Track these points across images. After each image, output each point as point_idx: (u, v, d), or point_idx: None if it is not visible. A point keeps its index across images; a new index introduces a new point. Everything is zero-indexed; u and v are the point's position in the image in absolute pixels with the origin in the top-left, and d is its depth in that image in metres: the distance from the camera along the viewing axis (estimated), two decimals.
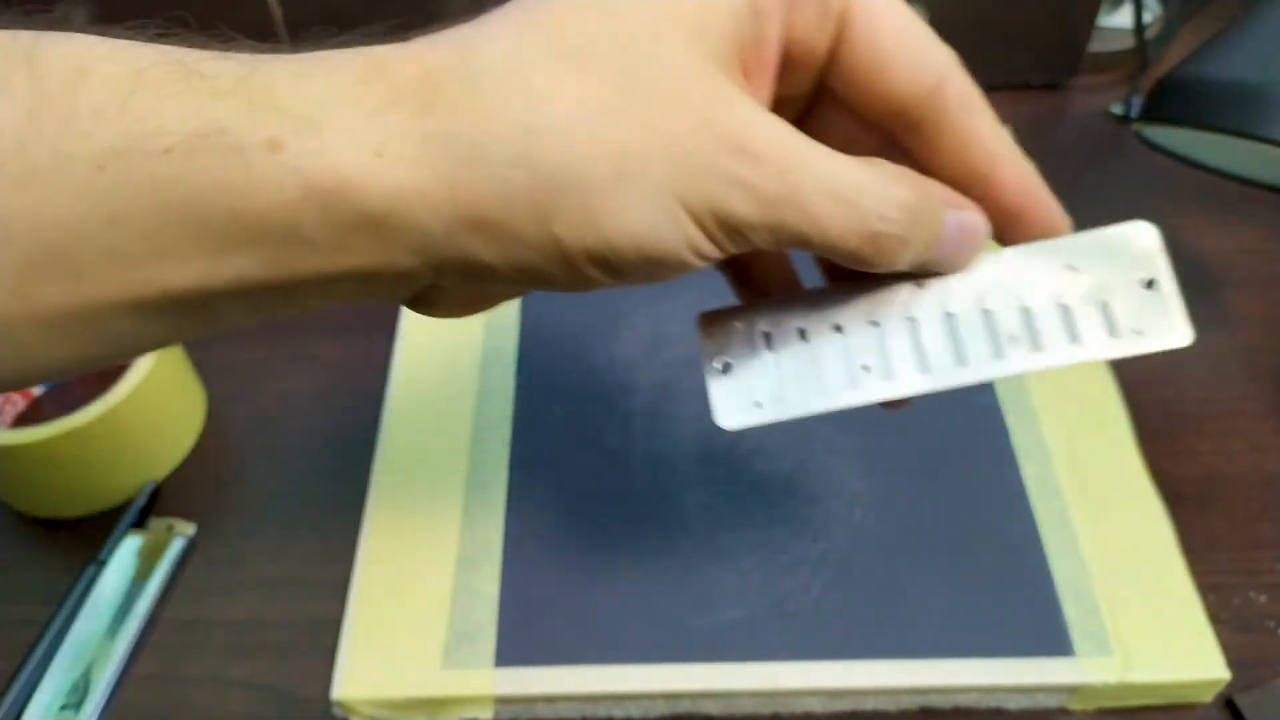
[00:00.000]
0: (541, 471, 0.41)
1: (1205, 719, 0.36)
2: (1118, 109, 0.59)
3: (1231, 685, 0.36)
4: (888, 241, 0.22)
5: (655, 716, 0.36)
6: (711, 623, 0.37)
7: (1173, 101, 0.40)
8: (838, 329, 0.24)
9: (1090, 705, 0.36)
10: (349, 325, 0.49)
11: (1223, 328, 0.47)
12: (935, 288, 0.24)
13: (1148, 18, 0.60)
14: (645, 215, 0.20)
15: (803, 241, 0.22)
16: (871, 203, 0.21)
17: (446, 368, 0.45)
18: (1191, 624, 0.37)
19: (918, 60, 0.23)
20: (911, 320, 0.24)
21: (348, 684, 0.36)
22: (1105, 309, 0.23)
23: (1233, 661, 0.36)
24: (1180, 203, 0.53)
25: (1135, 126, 0.44)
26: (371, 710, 0.36)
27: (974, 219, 0.24)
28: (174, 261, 0.20)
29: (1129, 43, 0.61)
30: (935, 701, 0.36)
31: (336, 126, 0.20)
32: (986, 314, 0.24)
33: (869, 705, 0.36)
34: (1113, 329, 0.23)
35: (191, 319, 0.21)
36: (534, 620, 0.37)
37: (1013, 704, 0.36)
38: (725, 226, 0.21)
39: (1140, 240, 0.23)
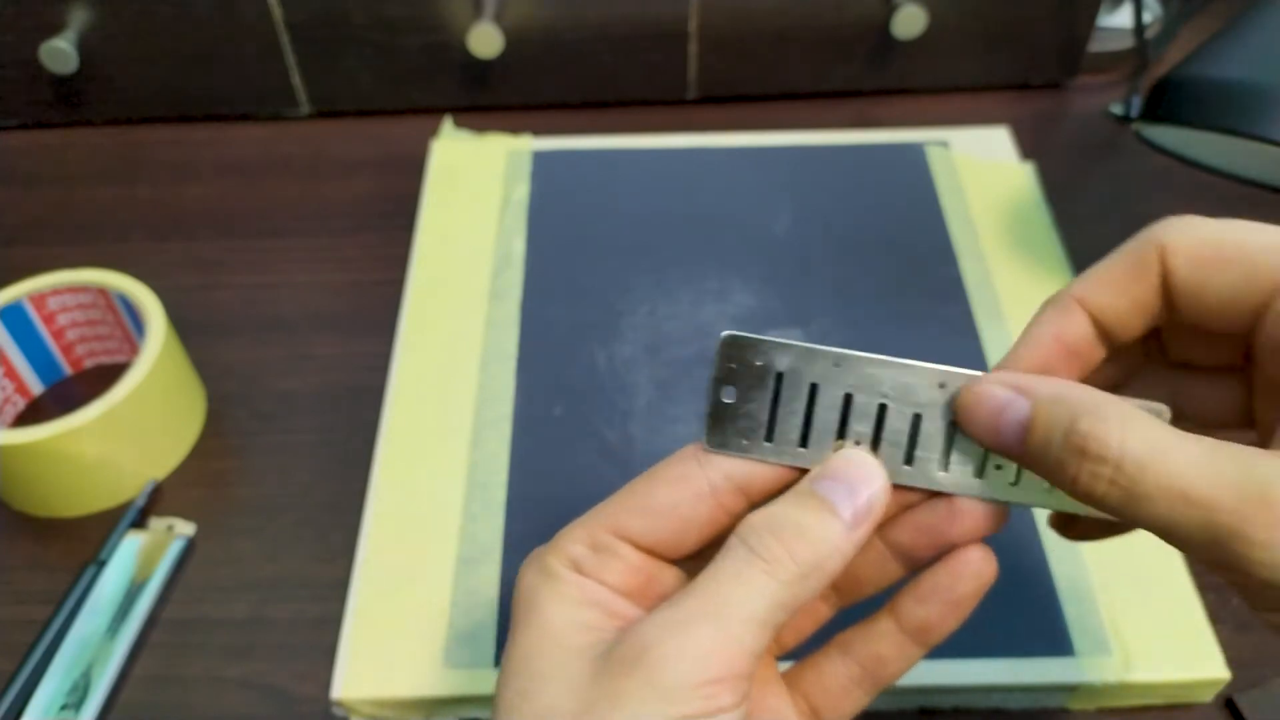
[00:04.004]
0: (541, 471, 0.41)
1: (1205, 719, 0.36)
2: (1118, 109, 0.59)
3: (1231, 685, 0.36)
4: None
5: None
6: None
7: (1173, 101, 0.41)
8: (848, 397, 0.25)
9: (1090, 705, 0.36)
10: (348, 325, 0.49)
11: None
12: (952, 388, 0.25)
13: (1148, 18, 0.60)
14: None
15: None
16: None
17: (446, 368, 0.45)
18: (1191, 623, 0.37)
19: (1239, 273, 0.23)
20: (918, 414, 0.25)
21: (348, 684, 0.36)
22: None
23: (1232, 661, 0.36)
24: (1180, 203, 0.53)
25: (1135, 126, 0.44)
26: (371, 710, 0.36)
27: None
28: None
29: (1129, 43, 0.61)
30: (935, 701, 0.36)
31: None
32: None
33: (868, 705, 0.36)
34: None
35: None
36: None
37: (1013, 704, 0.36)
38: None
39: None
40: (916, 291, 0.48)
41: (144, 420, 0.42)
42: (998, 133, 0.56)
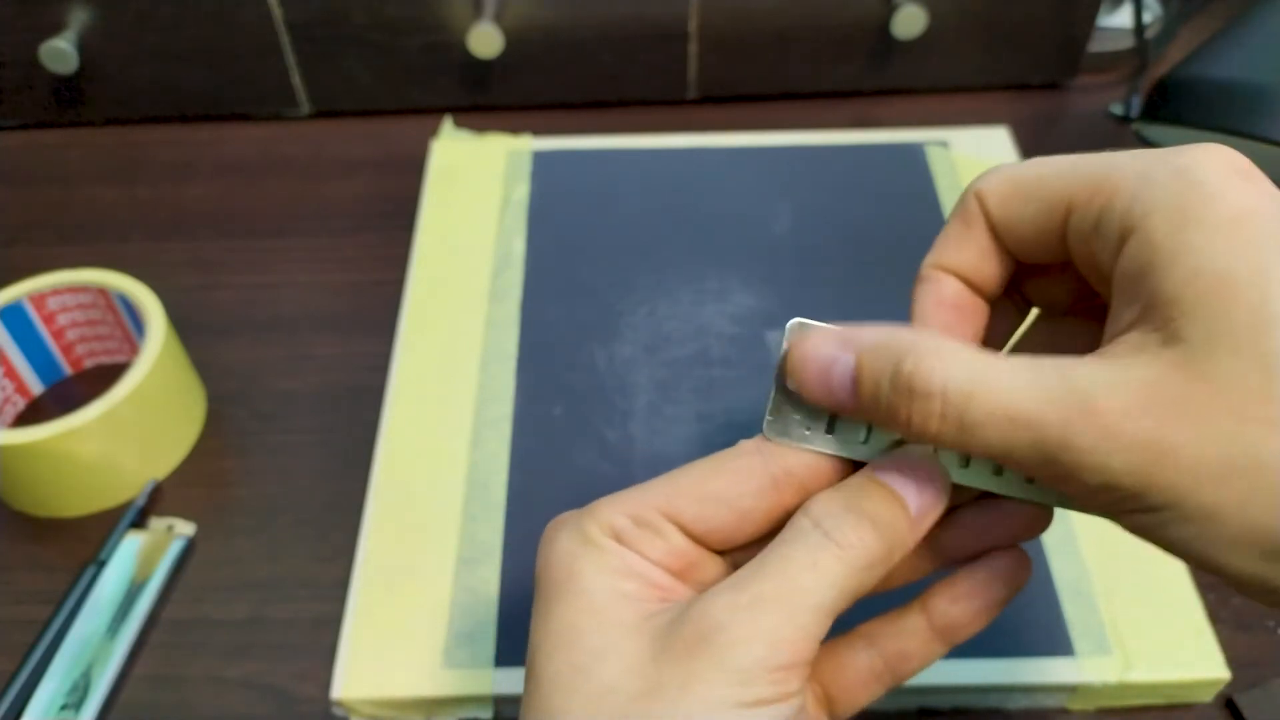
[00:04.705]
0: (541, 471, 0.41)
1: (1205, 718, 0.36)
2: (1118, 109, 0.59)
3: (1231, 685, 0.36)
4: None
5: None
6: None
7: (1173, 101, 0.41)
8: None
9: (1090, 705, 0.36)
10: (348, 325, 0.49)
11: None
12: None
13: (1148, 18, 0.60)
14: None
15: None
16: None
17: (446, 368, 0.45)
18: (1191, 623, 0.37)
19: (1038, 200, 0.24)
20: None
21: (348, 684, 0.36)
22: None
23: (1232, 661, 0.36)
24: None
25: (1135, 126, 0.44)
26: (371, 710, 0.36)
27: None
28: None
29: (1129, 43, 0.61)
30: (934, 701, 0.36)
31: None
32: None
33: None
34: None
35: None
36: None
37: (1012, 704, 0.36)
38: None
39: None
40: None
41: (144, 420, 0.42)
42: (998, 133, 0.56)
